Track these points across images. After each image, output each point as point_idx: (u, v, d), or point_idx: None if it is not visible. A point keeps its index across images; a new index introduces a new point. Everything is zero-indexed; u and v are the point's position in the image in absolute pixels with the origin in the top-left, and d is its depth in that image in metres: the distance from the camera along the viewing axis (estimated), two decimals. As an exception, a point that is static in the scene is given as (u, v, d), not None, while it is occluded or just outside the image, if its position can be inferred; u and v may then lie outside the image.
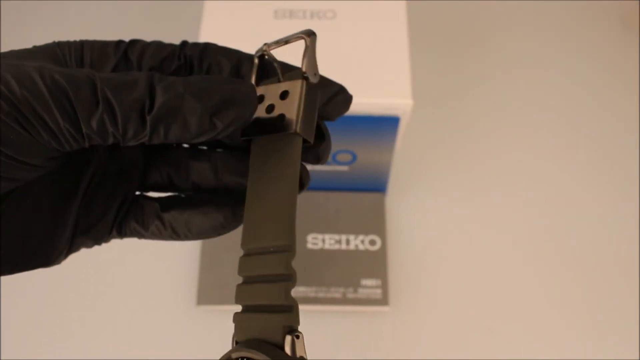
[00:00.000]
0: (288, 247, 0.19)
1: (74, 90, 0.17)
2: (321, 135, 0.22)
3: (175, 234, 0.22)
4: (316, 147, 0.22)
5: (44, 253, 0.21)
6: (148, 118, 0.17)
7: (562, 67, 0.61)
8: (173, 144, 0.23)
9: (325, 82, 0.22)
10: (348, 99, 0.22)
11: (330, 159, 0.48)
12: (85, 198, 0.22)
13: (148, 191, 0.24)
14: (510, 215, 0.53)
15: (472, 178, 0.54)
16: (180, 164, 0.23)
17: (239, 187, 0.23)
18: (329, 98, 0.22)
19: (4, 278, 0.48)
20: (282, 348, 0.17)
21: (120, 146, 0.22)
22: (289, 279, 0.18)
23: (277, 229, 0.19)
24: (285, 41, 0.21)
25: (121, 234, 0.23)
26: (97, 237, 0.23)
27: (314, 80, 0.21)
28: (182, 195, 0.23)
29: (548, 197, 0.54)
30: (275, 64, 0.21)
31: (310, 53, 0.21)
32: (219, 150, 0.23)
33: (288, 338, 0.17)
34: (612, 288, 0.49)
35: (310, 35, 0.21)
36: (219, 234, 0.22)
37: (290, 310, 0.18)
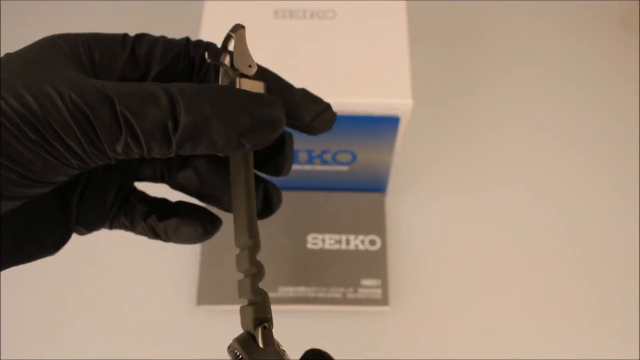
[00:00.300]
0: (251, 244, 0.20)
1: (94, 113, 0.16)
2: (281, 145, 0.22)
3: (157, 237, 0.23)
4: (275, 157, 0.22)
5: (45, 244, 0.21)
6: (174, 139, 0.17)
7: (562, 67, 0.61)
8: None
9: (314, 99, 0.22)
10: (332, 117, 0.22)
11: (330, 158, 0.48)
12: (84, 189, 0.22)
13: (142, 181, 0.24)
14: (510, 215, 0.53)
15: (472, 178, 0.54)
16: (172, 165, 0.23)
17: (216, 196, 0.23)
18: (316, 115, 0.22)
19: (4, 278, 0.48)
20: (255, 339, 0.19)
21: None
22: (256, 273, 0.20)
23: (241, 231, 0.20)
24: (223, 47, 0.21)
25: (110, 226, 0.24)
26: (90, 226, 0.23)
27: (250, 72, 0.21)
28: (170, 201, 0.24)
29: (548, 197, 0.54)
30: (222, 67, 0.21)
31: (237, 48, 0.21)
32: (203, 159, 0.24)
33: (258, 330, 0.19)
34: (612, 288, 0.49)
35: (236, 30, 0.21)
36: (195, 243, 0.24)
37: (258, 302, 0.19)
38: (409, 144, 0.54)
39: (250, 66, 0.21)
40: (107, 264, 0.50)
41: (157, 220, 0.23)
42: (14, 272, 0.49)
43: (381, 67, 0.42)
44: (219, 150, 0.18)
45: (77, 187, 0.22)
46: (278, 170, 0.22)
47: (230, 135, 0.17)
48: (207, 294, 0.47)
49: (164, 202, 0.24)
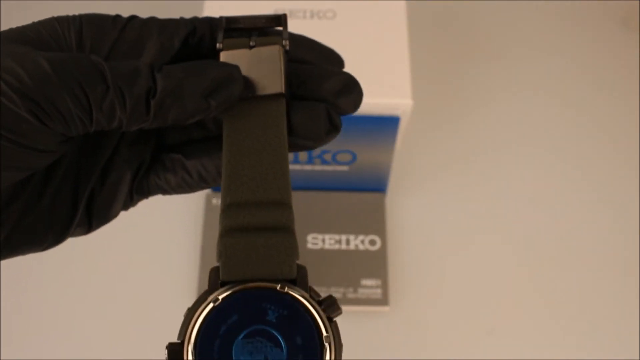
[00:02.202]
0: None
1: (84, 77, 0.18)
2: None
3: (203, 181, 0.23)
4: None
5: (61, 226, 0.21)
6: (152, 102, 0.18)
7: (562, 67, 0.61)
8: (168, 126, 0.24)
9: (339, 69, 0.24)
10: (359, 95, 0.23)
11: (330, 158, 0.48)
12: (100, 161, 0.22)
13: (167, 151, 0.24)
14: (510, 215, 0.53)
15: (472, 178, 0.54)
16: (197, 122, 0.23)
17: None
18: (340, 87, 0.22)
19: (4, 278, 0.48)
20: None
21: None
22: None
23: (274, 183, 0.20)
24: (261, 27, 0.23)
25: (144, 193, 0.23)
26: (118, 200, 0.23)
27: (287, 47, 0.22)
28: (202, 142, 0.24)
29: (548, 197, 0.54)
30: (253, 33, 0.22)
31: (285, 28, 0.22)
32: None
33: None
34: (612, 288, 0.49)
35: (284, 17, 0.23)
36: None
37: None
38: (409, 144, 0.54)
39: (286, 42, 0.22)
40: (107, 263, 0.50)
41: (207, 157, 0.23)
42: (14, 272, 0.49)
43: (381, 67, 0.42)
44: (189, 114, 0.19)
45: (95, 167, 0.22)
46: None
47: (199, 94, 0.19)
48: (207, 294, 0.46)
49: (197, 144, 0.24)
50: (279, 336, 0.18)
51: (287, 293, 0.18)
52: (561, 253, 0.51)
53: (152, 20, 0.22)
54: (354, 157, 0.47)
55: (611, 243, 0.51)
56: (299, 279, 0.19)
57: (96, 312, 0.48)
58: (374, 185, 0.51)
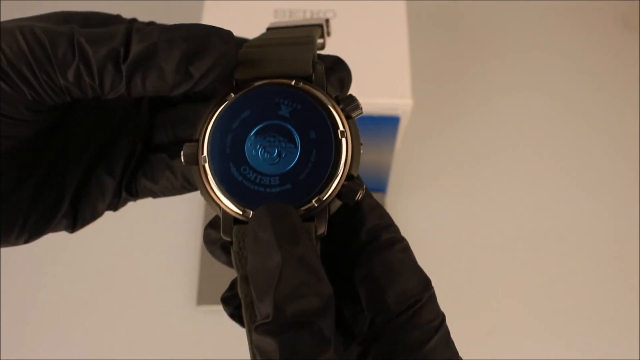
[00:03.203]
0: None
1: (52, 43, 0.17)
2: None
3: (187, 183, 0.22)
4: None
5: (41, 219, 0.21)
6: (123, 67, 0.17)
7: (563, 66, 0.61)
8: (168, 97, 0.23)
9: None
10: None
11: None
12: (87, 156, 0.22)
13: (155, 152, 0.23)
14: (510, 214, 0.53)
15: (472, 178, 0.54)
16: (186, 120, 0.23)
17: None
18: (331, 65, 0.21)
19: (4, 279, 0.48)
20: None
21: (119, 100, 0.22)
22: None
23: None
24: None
25: (132, 194, 0.23)
26: (105, 197, 0.22)
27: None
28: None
29: (548, 196, 0.54)
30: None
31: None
32: None
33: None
34: (612, 288, 0.49)
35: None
36: None
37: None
38: (409, 144, 0.54)
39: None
40: (107, 264, 0.50)
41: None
42: (14, 272, 0.49)
43: (381, 67, 0.42)
44: (169, 83, 0.17)
45: (78, 155, 0.21)
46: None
47: (178, 60, 0.17)
48: (207, 294, 0.47)
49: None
50: (292, 130, 0.17)
51: (301, 87, 0.17)
52: (561, 253, 0.51)
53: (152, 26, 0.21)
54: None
55: (612, 243, 0.51)
56: (316, 76, 0.18)
57: (96, 312, 0.48)
58: (374, 185, 0.51)
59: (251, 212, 0.17)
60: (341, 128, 0.17)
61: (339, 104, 0.17)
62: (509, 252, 0.51)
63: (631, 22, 0.64)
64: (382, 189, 0.52)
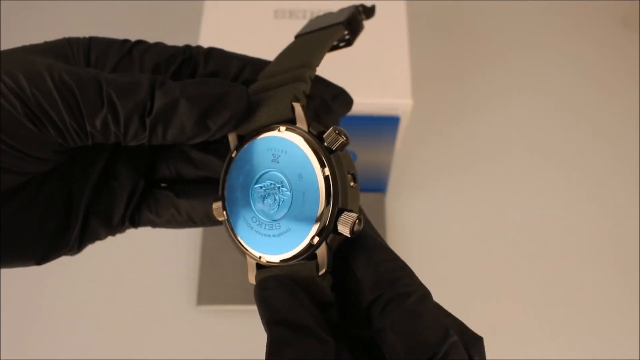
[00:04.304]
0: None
1: (80, 90, 0.17)
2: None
3: (191, 221, 0.23)
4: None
5: (56, 244, 0.21)
6: (147, 120, 0.18)
7: (563, 66, 0.61)
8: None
9: (328, 83, 0.23)
10: (349, 100, 0.23)
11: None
12: (95, 189, 0.22)
13: (156, 185, 0.24)
14: (510, 214, 0.53)
15: (472, 178, 0.54)
16: (188, 157, 0.23)
17: None
18: (333, 96, 0.22)
19: (4, 279, 0.48)
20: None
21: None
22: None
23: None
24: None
25: (134, 224, 0.23)
26: (109, 227, 0.23)
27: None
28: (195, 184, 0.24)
29: (548, 196, 0.54)
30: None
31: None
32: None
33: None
34: (612, 289, 0.49)
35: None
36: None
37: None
38: (409, 144, 0.54)
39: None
40: (107, 264, 0.50)
41: (197, 201, 0.23)
42: (14, 272, 0.49)
43: (381, 67, 0.42)
44: (188, 135, 0.19)
45: (86, 187, 0.22)
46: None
47: (197, 115, 0.18)
48: (207, 294, 0.47)
49: (190, 185, 0.24)
50: (282, 176, 0.18)
51: (283, 133, 0.18)
52: (561, 253, 0.51)
53: (159, 44, 0.21)
54: (354, 157, 0.47)
55: (612, 243, 0.51)
56: (297, 118, 0.19)
57: (96, 312, 0.48)
58: (374, 185, 0.51)
59: (266, 259, 0.19)
60: (324, 165, 0.18)
61: (322, 141, 0.18)
62: (508, 252, 0.51)
63: (631, 22, 0.64)
64: (382, 189, 0.52)
